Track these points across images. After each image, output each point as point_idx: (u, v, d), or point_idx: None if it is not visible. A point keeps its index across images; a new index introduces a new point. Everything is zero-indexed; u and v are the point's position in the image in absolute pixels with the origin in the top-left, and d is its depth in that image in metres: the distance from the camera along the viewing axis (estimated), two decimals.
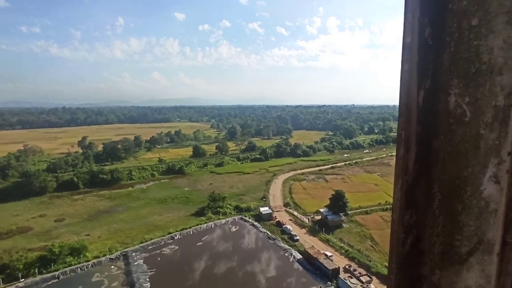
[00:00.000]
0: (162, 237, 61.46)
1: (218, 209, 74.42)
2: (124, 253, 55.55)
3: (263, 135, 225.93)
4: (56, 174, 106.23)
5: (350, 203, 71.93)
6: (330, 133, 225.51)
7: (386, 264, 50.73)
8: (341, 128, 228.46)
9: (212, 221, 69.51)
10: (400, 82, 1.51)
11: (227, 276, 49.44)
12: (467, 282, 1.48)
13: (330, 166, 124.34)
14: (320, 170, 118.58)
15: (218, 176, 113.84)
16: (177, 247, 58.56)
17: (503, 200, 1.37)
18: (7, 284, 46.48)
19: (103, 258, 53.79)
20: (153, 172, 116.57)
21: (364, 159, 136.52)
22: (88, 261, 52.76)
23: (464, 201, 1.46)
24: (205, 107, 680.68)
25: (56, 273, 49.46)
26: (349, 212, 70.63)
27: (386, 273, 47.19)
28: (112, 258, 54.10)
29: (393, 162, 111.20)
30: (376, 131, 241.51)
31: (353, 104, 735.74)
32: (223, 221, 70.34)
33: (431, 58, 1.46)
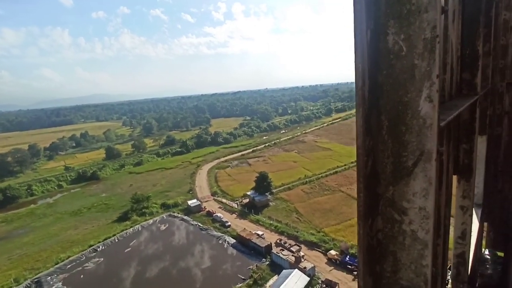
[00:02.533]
0: (83, 252, 55.29)
1: (143, 210, 70.14)
2: (36, 279, 48.29)
3: (182, 127, 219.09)
4: None
5: (273, 182, 75.89)
6: (248, 118, 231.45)
7: (312, 231, 55.82)
8: (257, 112, 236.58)
9: (139, 223, 65.36)
10: (354, 21, 1.70)
11: (162, 277, 47.58)
12: (414, 189, 1.78)
13: (251, 150, 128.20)
14: (243, 155, 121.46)
15: (139, 175, 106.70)
16: (102, 259, 53.53)
17: (435, 115, 1.68)
18: None
19: None
20: (60, 183, 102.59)
21: (282, 139, 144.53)
22: None
23: (407, 122, 1.75)
24: (114, 104, 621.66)
25: None
26: (274, 191, 74.56)
27: (312, 239, 51.92)
28: None
29: (307, 139, 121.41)
30: (289, 111, 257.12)
31: (266, 88, 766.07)
32: (151, 221, 66.81)
33: (373, 2, 1.71)
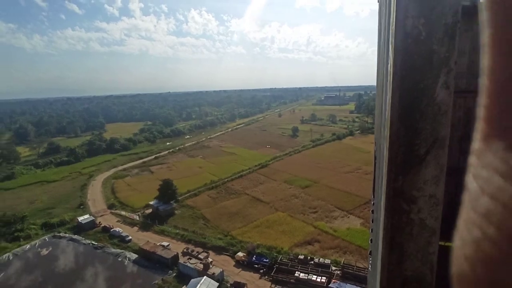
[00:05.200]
0: None
1: (16, 234, 57.40)
2: None
3: (69, 133, 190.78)
4: None
5: (179, 189, 72.73)
6: (149, 123, 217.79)
7: (219, 236, 55.46)
8: (160, 116, 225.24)
9: (9, 251, 53.09)
10: (380, 6, 1.67)
11: None
12: (425, 177, 1.74)
13: (153, 156, 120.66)
14: (144, 162, 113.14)
15: (9, 192, 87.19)
16: None
17: (450, 101, 1.66)
18: None
19: None
20: None
21: (186, 145, 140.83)
22: None
23: (421, 109, 1.70)
24: None
25: None
26: (179, 198, 71.48)
27: (220, 244, 51.58)
28: None
29: (212, 144, 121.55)
30: (193, 116, 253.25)
31: (169, 92, 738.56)
32: (27, 246, 55.14)
33: None
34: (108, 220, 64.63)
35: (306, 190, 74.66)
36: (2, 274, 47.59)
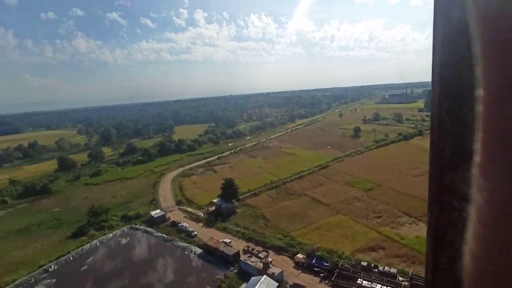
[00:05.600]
0: (31, 274, 50.16)
1: (102, 224, 65.62)
2: None
3: (143, 135, 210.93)
4: None
5: (240, 188, 75.16)
6: (213, 124, 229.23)
7: (279, 236, 55.79)
8: (222, 118, 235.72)
9: (97, 238, 60.94)
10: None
11: None
12: (474, 169, 1.60)
13: (216, 156, 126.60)
14: (208, 162, 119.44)
15: (96, 187, 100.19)
16: (54, 280, 48.97)
17: None
18: None
19: None
20: (4, 198, 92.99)
21: (247, 145, 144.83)
22: None
23: (469, 104, 1.51)
24: (68, 111, 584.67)
25: None
26: (240, 197, 73.81)
27: (280, 244, 51.80)
28: None
29: (272, 144, 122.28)
30: (254, 118, 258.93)
31: (231, 95, 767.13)
32: (110, 235, 62.67)
33: None
34: (176, 215, 69.82)
35: (369, 193, 70.82)
36: (91, 258, 54.89)
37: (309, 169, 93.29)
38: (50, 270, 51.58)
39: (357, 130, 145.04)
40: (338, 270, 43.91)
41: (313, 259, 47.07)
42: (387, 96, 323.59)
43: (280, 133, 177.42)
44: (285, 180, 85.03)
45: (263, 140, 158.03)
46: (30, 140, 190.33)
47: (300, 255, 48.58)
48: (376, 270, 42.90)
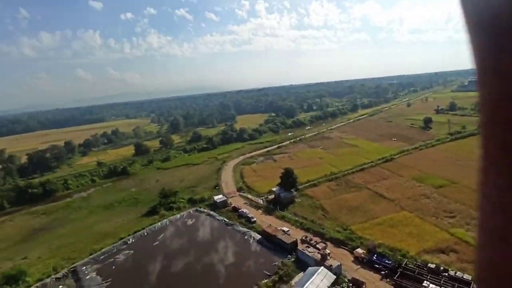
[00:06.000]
0: (114, 244, 57.76)
1: (171, 205, 72.06)
2: (72, 269, 51.10)
3: (208, 124, 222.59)
4: None
5: (299, 178, 75.13)
6: (273, 114, 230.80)
7: (338, 229, 54.73)
8: (282, 108, 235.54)
9: (166, 218, 67.20)
10: None
11: (186, 272, 48.62)
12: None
13: (276, 146, 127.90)
14: (268, 151, 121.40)
15: (166, 171, 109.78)
16: (132, 252, 55.65)
17: None
18: None
19: (48, 280, 48.77)
20: (93, 178, 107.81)
21: (307, 136, 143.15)
22: (30, 286, 47.44)
23: None
24: (142, 102, 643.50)
25: None
26: (299, 187, 73.85)
27: (338, 237, 50.79)
28: (58, 278, 49.38)
29: (333, 135, 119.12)
30: (314, 108, 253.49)
31: (291, 84, 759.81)
32: (178, 216, 68.51)
33: None
34: (237, 201, 73.02)
35: (441, 191, 64.76)
36: (162, 235, 60.89)
37: (371, 162, 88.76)
38: (128, 242, 58.70)
39: (427, 121, 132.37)
40: (401, 270, 41.57)
41: (373, 255, 45.29)
42: (466, 83, 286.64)
43: (341, 124, 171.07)
44: (346, 172, 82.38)
45: (324, 130, 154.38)
46: (113, 128, 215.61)
47: (359, 250, 47.16)
48: (446, 274, 39.54)
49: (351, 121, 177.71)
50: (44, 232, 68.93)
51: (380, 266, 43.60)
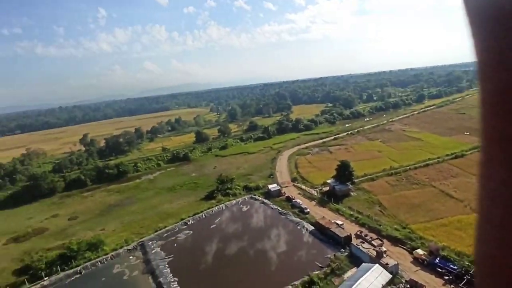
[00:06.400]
0: (176, 224, 62.81)
1: (227, 191, 75.46)
2: (140, 243, 57.02)
3: (264, 114, 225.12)
4: (62, 174, 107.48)
5: (355, 171, 72.52)
6: (330, 105, 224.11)
7: (396, 227, 51.95)
8: (340, 99, 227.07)
9: (223, 203, 70.66)
10: None
11: (239, 256, 50.84)
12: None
13: (332, 137, 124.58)
14: (324, 142, 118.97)
15: (223, 158, 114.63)
16: (191, 232, 59.95)
17: None
18: (32, 284, 48.11)
19: (120, 250, 55.27)
20: (159, 162, 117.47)
21: (365, 127, 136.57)
22: (107, 254, 54.24)
23: None
24: (202, 92, 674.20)
25: (78, 268, 51.03)
26: (355, 181, 71.39)
27: (396, 235, 48.27)
28: (129, 249, 55.61)
29: (394, 127, 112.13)
30: (375, 98, 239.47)
31: (350, 74, 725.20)
32: (234, 202, 71.52)
33: None
34: (290, 191, 73.47)
35: None
36: (218, 219, 64.35)
37: (438, 157, 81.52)
38: (188, 223, 63.28)
39: None
40: (468, 277, 38.15)
41: (436, 258, 42.17)
42: None
43: (404, 115, 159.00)
44: (407, 167, 77.07)
45: (384, 122, 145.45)
46: (176, 116, 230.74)
47: (420, 251, 44.25)
48: None
49: (415, 112, 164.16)
50: (117, 208, 77.72)
51: (444, 271, 40.49)
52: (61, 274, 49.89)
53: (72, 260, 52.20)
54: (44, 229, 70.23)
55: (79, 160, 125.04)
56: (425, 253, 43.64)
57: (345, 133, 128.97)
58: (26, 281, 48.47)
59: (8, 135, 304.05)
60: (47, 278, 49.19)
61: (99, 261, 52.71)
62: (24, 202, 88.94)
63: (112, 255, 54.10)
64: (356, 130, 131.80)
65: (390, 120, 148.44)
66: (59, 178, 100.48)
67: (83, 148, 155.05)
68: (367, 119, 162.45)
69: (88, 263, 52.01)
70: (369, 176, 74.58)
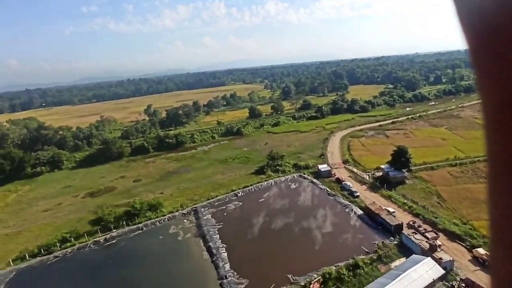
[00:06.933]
0: (226, 194, 66.17)
1: (277, 167, 76.64)
2: (194, 208, 61.54)
3: (318, 93, 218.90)
4: (129, 140, 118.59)
5: (413, 158, 68.13)
6: (390, 86, 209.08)
7: (455, 221, 48.41)
8: (402, 80, 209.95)
9: (272, 179, 72.15)
10: None
11: (284, 231, 52.10)
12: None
13: (390, 121, 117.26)
14: (380, 125, 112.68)
15: (275, 135, 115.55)
16: (240, 203, 62.78)
17: None
18: (103, 234, 55.38)
19: (176, 213, 60.40)
20: (213, 135, 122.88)
21: (429, 112, 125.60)
22: (164, 215, 59.75)
23: None
24: (258, 68, 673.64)
25: (140, 225, 57.28)
26: (412, 168, 67.20)
27: (455, 230, 45.06)
28: (184, 213, 60.48)
29: (464, 114, 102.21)
30: (444, 80, 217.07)
31: (417, 53, 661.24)
32: (283, 178, 72.58)
33: None
34: (341, 173, 71.99)
35: None
36: (267, 193, 66.17)
37: None
38: (238, 195, 66.20)
39: None
40: None
41: None
42: None
43: (478, 101, 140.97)
44: (476, 159, 69.80)
45: (452, 107, 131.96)
46: (231, 91, 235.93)
47: (481, 250, 40.77)
48: None
49: None
50: (175, 175, 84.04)
51: None
52: (126, 228, 56.53)
53: (135, 217, 58.61)
54: (113, 187, 79.32)
55: (143, 128, 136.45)
56: (488, 253, 39.97)
57: (405, 117, 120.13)
58: (98, 231, 55.99)
59: (86, 103, 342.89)
60: (115, 230, 56.18)
61: (158, 221, 58.40)
62: (98, 163, 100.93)
63: (168, 216, 59.46)
64: (418, 115, 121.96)
65: (459, 105, 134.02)
66: (126, 144, 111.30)
67: (147, 118, 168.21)
68: (432, 103, 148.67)
69: (148, 222, 57.99)
70: (429, 165, 69.54)
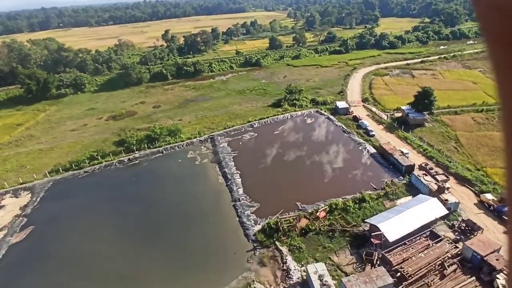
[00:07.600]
0: (243, 125, 67.46)
1: (294, 101, 76.02)
2: (211, 136, 63.69)
3: (345, 24, 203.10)
4: (148, 66, 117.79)
5: (437, 101, 65.66)
6: (427, 20, 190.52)
7: (469, 167, 48.57)
8: (442, 13, 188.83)
9: (288, 112, 72.22)
10: None
11: (296, 163, 54.03)
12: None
13: (420, 60, 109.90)
14: (408, 64, 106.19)
15: (295, 69, 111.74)
16: (256, 134, 64.30)
17: None
18: (127, 154, 59.14)
19: (194, 140, 62.86)
20: (231, 65, 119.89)
21: (465, 52, 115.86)
22: (183, 141, 62.41)
23: None
24: None
25: (160, 148, 60.45)
26: (434, 111, 65.27)
27: (466, 175, 45.39)
28: (201, 140, 62.89)
29: None
30: None
31: None
32: (299, 113, 72.50)
33: None
34: (359, 111, 70.94)
35: None
36: (282, 127, 67.02)
37: None
38: (254, 126, 67.37)
39: None
40: None
41: (505, 206, 39.53)
42: None
43: None
44: None
45: None
46: (251, 19, 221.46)
47: (489, 196, 41.41)
48: None
49: None
50: (193, 103, 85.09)
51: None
52: (148, 151, 59.96)
53: (156, 141, 61.59)
54: (134, 112, 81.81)
55: (162, 55, 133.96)
56: (495, 199, 40.90)
57: (437, 57, 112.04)
58: (122, 151, 59.74)
59: (104, 25, 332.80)
60: (137, 152, 59.74)
61: (177, 146, 61.32)
62: (119, 88, 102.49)
63: (187, 142, 62.13)
64: (451, 55, 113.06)
65: None
66: (145, 70, 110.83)
67: (165, 44, 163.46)
68: (471, 42, 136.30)
69: (168, 146, 61.00)
70: (453, 109, 67.22)
